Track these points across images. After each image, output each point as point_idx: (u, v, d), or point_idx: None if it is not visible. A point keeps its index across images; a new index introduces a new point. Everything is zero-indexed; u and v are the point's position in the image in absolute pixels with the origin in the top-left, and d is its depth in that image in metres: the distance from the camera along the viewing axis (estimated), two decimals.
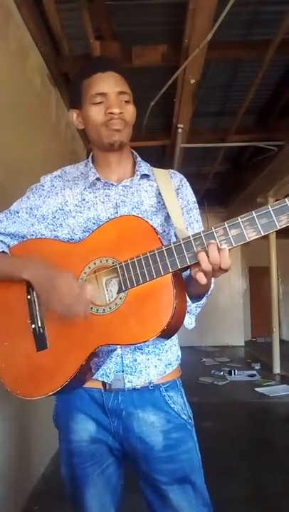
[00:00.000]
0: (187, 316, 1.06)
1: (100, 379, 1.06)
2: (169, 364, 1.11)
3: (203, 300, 1.07)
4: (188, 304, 1.04)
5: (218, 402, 4.56)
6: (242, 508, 2.38)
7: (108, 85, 1.06)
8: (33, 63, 2.85)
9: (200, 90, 3.59)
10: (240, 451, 3.27)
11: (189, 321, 1.09)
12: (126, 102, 1.08)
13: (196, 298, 1.07)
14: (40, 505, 2.41)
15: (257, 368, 6.27)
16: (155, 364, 1.09)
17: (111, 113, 1.05)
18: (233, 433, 3.70)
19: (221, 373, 5.99)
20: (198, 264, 0.89)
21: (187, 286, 1.01)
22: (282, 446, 3.34)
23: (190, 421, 1.11)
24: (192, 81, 3.19)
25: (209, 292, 1.07)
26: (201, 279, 0.90)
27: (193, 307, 1.07)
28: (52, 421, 1.17)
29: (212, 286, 1.07)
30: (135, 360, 1.07)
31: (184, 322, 1.05)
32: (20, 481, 2.40)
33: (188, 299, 1.03)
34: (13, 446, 2.29)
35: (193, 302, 1.06)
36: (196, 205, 1.20)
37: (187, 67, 3.00)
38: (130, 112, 1.09)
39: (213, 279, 1.05)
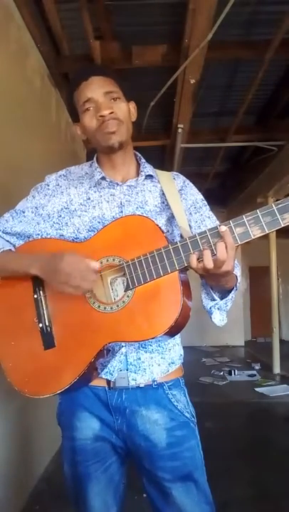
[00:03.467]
0: (218, 312, 1.07)
1: (103, 377, 1.07)
2: (172, 363, 1.12)
3: (232, 294, 1.06)
4: (216, 301, 1.05)
5: (218, 402, 4.56)
6: (242, 508, 2.38)
7: (91, 90, 1.08)
8: (33, 63, 2.85)
9: (200, 90, 3.59)
10: (240, 451, 3.27)
11: (221, 318, 1.08)
12: (115, 99, 1.09)
13: (223, 293, 1.06)
14: (40, 504, 2.41)
15: (257, 368, 6.27)
16: (158, 362, 1.09)
17: (101, 116, 1.07)
18: (233, 433, 3.70)
19: (221, 373, 5.99)
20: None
21: (209, 285, 1.02)
22: (282, 446, 3.33)
23: (193, 419, 1.12)
24: (192, 81, 3.20)
25: (238, 285, 1.07)
26: (198, 269, 0.92)
27: (222, 304, 1.06)
28: (54, 420, 1.17)
29: (239, 279, 1.07)
30: (139, 359, 1.08)
31: (216, 320, 1.07)
32: (21, 481, 2.40)
33: (215, 296, 1.05)
34: (13, 445, 2.29)
35: (221, 299, 1.06)
36: (205, 202, 1.20)
37: (187, 67, 3.00)
38: (122, 108, 1.10)
39: (239, 272, 1.07)
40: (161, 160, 5.42)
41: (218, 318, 1.07)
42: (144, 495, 1.13)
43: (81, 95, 1.09)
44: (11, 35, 2.44)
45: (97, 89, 1.08)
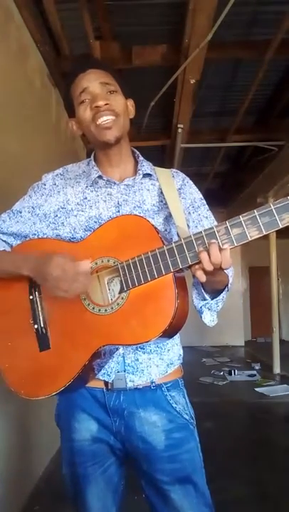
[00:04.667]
0: (208, 313, 1.06)
1: (101, 378, 1.06)
2: (171, 363, 1.11)
3: (223, 295, 1.04)
4: (207, 301, 1.04)
5: (218, 402, 4.56)
6: (242, 508, 2.38)
7: (88, 80, 1.07)
8: (33, 63, 2.85)
9: (200, 90, 3.59)
10: (240, 451, 3.27)
11: (211, 318, 1.07)
12: (111, 92, 1.07)
13: (214, 294, 1.05)
14: (40, 505, 2.41)
15: (257, 368, 6.27)
16: (157, 363, 1.08)
17: (96, 107, 1.05)
18: (233, 433, 3.70)
19: (221, 373, 5.99)
20: (199, 262, 0.88)
21: (201, 284, 1.00)
22: (282, 446, 3.33)
23: (192, 421, 1.11)
24: (192, 81, 3.20)
25: (229, 286, 1.05)
26: (201, 277, 0.89)
27: (213, 303, 1.05)
28: (53, 420, 1.16)
29: (230, 279, 1.05)
30: (137, 360, 1.07)
31: (206, 320, 1.06)
32: (21, 481, 2.40)
33: (206, 296, 1.03)
34: (13, 445, 2.29)
35: (212, 299, 1.04)
36: (204, 201, 1.18)
37: (187, 67, 3.00)
38: (119, 101, 1.08)
39: (231, 272, 1.06)
40: (161, 160, 5.42)
41: (208, 318, 1.06)
42: (144, 495, 1.12)
43: (78, 86, 1.08)
44: (11, 35, 2.44)
45: (94, 80, 1.06)
